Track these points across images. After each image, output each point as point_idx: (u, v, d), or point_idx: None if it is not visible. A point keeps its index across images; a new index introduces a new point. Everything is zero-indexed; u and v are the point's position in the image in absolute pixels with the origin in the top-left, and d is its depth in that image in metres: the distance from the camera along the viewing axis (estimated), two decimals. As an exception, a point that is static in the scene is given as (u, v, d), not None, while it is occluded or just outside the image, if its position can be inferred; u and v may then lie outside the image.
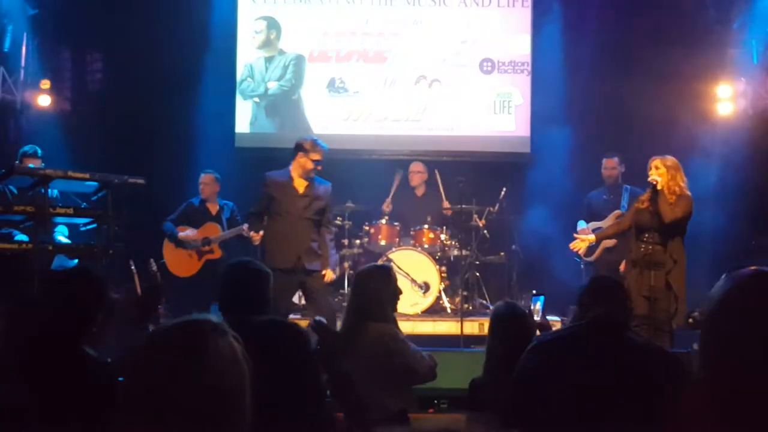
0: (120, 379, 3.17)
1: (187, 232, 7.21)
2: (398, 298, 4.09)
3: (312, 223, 6.21)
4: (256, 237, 6.14)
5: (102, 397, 2.36)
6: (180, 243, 7.21)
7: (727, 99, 8.10)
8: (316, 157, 6.12)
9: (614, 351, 2.61)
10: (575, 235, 7.09)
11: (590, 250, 7.04)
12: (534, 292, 7.86)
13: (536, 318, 3.87)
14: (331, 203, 6.54)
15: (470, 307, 7.65)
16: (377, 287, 3.97)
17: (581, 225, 7.23)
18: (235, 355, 1.43)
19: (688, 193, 5.76)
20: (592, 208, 7.37)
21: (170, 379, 1.36)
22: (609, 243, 6.94)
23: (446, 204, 7.97)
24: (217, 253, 7.20)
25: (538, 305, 3.98)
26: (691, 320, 5.52)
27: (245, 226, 7.05)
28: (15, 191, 6.41)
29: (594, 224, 7.19)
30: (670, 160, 5.81)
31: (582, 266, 7.53)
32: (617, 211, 7.06)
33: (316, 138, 6.31)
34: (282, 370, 2.77)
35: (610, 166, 7.33)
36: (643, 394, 2.41)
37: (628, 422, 2.36)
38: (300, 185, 6.20)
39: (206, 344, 1.39)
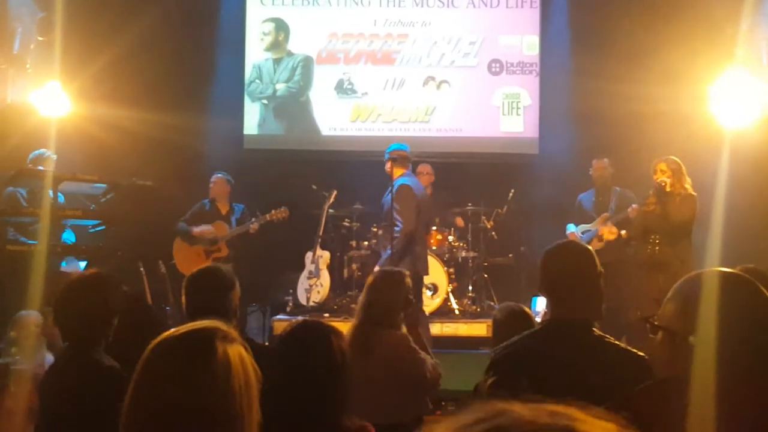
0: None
1: (201, 227, 7.30)
2: (410, 305, 3.99)
3: None
4: None
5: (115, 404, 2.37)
6: (194, 240, 7.28)
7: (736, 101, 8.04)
8: None
9: (578, 356, 2.35)
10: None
11: None
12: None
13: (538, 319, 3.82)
14: None
15: (478, 309, 7.64)
16: (390, 296, 3.84)
17: (570, 228, 7.12)
18: (242, 362, 1.42)
19: (693, 193, 5.75)
20: (581, 211, 7.25)
21: (176, 385, 1.36)
22: (598, 245, 6.81)
23: (460, 222, 8.04)
24: (224, 252, 7.26)
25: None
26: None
27: (252, 225, 7.17)
28: (25, 194, 6.41)
29: (583, 227, 7.10)
30: (674, 161, 5.80)
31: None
32: (605, 214, 6.95)
33: None
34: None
35: (600, 167, 7.19)
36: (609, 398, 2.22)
37: None
38: None
39: (213, 351, 1.39)
